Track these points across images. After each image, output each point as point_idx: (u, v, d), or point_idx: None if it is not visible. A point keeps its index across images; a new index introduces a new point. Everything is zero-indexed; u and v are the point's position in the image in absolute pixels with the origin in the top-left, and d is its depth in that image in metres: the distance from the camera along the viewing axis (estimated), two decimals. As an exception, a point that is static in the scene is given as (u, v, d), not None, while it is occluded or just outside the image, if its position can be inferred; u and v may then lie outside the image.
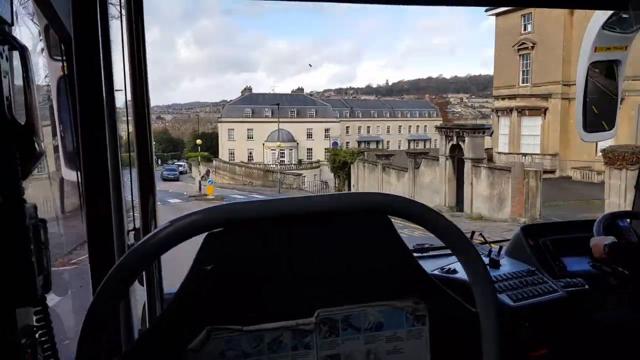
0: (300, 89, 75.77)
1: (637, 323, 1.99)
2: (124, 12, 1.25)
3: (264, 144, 60.51)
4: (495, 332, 0.81)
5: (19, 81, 0.74)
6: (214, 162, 52.93)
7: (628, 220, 2.48)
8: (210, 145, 68.76)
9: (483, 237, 2.56)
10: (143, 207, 1.34)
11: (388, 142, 70.79)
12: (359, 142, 66.96)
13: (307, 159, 59.90)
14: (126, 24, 1.26)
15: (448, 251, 2.34)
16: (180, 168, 60.62)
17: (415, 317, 0.84)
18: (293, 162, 55.92)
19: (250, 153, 61.14)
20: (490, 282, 0.82)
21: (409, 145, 67.83)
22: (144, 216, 1.35)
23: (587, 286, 2.15)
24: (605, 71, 2.17)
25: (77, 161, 1.27)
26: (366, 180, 27.94)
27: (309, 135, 64.29)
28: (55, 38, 1.35)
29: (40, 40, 1.45)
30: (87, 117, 1.18)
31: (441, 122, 74.74)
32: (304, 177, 38.04)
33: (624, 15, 1.97)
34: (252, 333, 0.77)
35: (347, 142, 64.52)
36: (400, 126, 75.77)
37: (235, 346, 0.76)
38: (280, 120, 58.28)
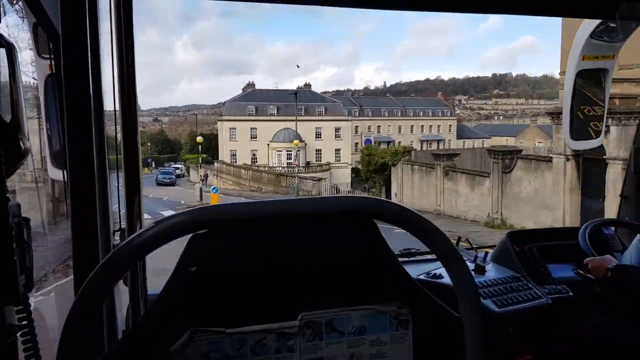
0: (308, 85, 67.59)
1: (620, 330, 2.01)
2: (113, 10, 1.24)
3: (269, 145, 55.08)
4: (479, 338, 0.81)
5: (5, 79, 0.73)
6: (215, 164, 49.42)
7: (613, 228, 2.52)
8: (209, 147, 65.70)
9: (469, 242, 2.57)
10: (129, 208, 1.34)
11: (399, 142, 61.83)
12: (369, 143, 64.22)
13: (316, 160, 55.63)
14: (115, 23, 1.25)
15: (434, 256, 2.41)
16: (177, 171, 56.44)
17: (399, 321, 0.84)
18: (301, 164, 50.95)
19: (254, 154, 55.49)
20: (474, 288, 0.82)
21: (421, 146, 63.09)
22: (129, 216, 1.34)
23: (571, 293, 2.17)
24: (592, 80, 2.20)
25: (63, 160, 1.25)
26: (415, 188, 22.06)
27: (318, 135, 58.28)
28: (44, 36, 1.34)
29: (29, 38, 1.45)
30: (74, 115, 1.17)
31: (455, 121, 74.75)
32: (323, 180, 34.36)
33: (612, 25, 1.99)
34: (235, 335, 0.77)
35: (356, 143, 60.76)
36: (412, 126, 70.92)
37: (218, 348, 0.76)
38: (287, 118, 54.62)
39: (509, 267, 2.31)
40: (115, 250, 0.69)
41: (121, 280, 1.28)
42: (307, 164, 52.33)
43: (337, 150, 57.78)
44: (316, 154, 57.04)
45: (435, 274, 2.18)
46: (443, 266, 0.83)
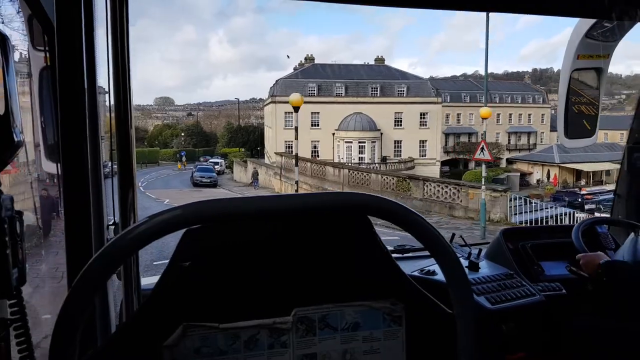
0: (380, 59, 51.64)
1: (613, 328, 2.01)
2: (108, 3, 1.24)
3: (334, 134, 42.85)
4: (472, 335, 0.81)
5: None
6: (274, 158, 35.65)
7: (606, 226, 2.53)
8: (246, 141, 60.55)
9: (463, 239, 2.58)
10: (122, 202, 1.33)
11: (483, 134, 39.47)
12: (446, 135, 51.54)
13: (395, 156, 43.40)
14: (110, 16, 1.23)
15: (428, 252, 2.48)
16: (216, 167, 44.28)
17: (392, 317, 0.85)
18: (376, 160, 40.40)
19: (315, 146, 43.23)
20: (467, 284, 0.82)
21: (509, 140, 54.38)
22: (123, 210, 1.33)
23: (564, 291, 2.18)
24: (587, 78, 2.20)
25: (57, 153, 1.26)
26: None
27: (398, 122, 44.82)
28: (39, 28, 1.34)
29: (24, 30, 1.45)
30: (68, 108, 1.17)
31: (548, 109, 58.16)
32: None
33: (607, 25, 1.99)
34: (228, 330, 0.77)
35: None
36: (498, 114, 53.57)
37: (211, 343, 0.76)
38: (359, 100, 43.20)
39: (503, 265, 2.31)
40: (108, 244, 0.68)
41: (114, 275, 1.26)
42: (383, 159, 41.39)
43: (422, 143, 44.98)
44: (395, 147, 44.64)
45: (429, 270, 2.18)
46: (436, 262, 0.83)
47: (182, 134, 77.86)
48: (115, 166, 1.34)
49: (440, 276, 2.02)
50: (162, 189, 31.92)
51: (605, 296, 2.07)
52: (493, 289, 2.06)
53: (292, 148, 38.51)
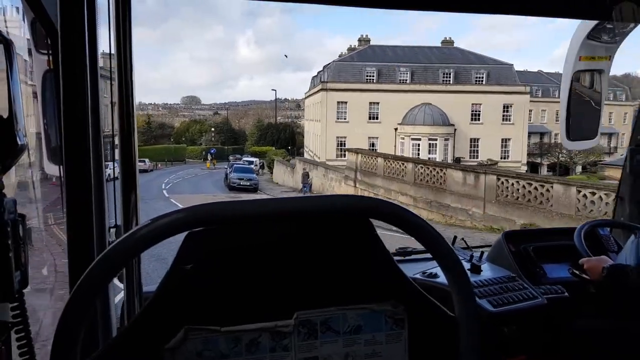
0: (449, 41, 43.09)
1: (615, 331, 2.02)
2: (112, 6, 1.24)
3: (396, 129, 35.66)
4: (474, 338, 0.81)
5: (2, 75, 0.74)
6: (323, 157, 32.33)
7: (608, 229, 2.52)
8: (277, 139, 56.90)
9: (465, 242, 2.58)
10: (125, 204, 1.33)
11: (557, 134, 40.85)
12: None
13: (472, 157, 35.98)
14: (114, 19, 1.24)
15: (430, 255, 2.50)
16: (250, 166, 36.60)
17: (394, 320, 0.84)
18: (448, 162, 30.90)
19: (373, 143, 35.93)
20: (469, 287, 0.82)
21: None
22: (125, 213, 1.33)
23: (566, 293, 2.18)
24: (589, 80, 2.19)
25: (60, 156, 1.26)
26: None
27: (475, 116, 37.06)
28: (42, 32, 1.34)
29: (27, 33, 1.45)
30: (71, 111, 1.18)
31: (633, 107, 49.60)
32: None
33: (608, 26, 1.97)
34: (230, 334, 0.76)
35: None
36: None
37: (213, 347, 0.76)
38: (428, 88, 35.95)
39: (505, 267, 2.31)
40: (110, 247, 0.68)
41: (116, 277, 1.27)
42: (457, 160, 33.20)
43: (505, 142, 37.74)
44: (471, 146, 37.28)
45: (431, 273, 2.18)
46: (439, 265, 0.83)
47: (212, 129, 75.00)
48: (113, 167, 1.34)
49: (442, 279, 2.02)
50: (191, 194, 26.50)
51: (608, 299, 2.06)
52: (495, 292, 2.06)
53: (344, 144, 33.96)
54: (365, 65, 38.44)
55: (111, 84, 1.30)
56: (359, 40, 43.92)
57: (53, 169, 1.52)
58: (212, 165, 48.42)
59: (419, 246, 2.40)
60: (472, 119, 37.33)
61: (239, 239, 0.77)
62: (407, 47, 42.05)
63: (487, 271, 2.29)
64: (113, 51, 1.26)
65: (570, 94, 2.14)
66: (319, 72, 44.24)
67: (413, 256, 2.51)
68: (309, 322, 0.80)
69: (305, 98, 49.21)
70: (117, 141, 1.34)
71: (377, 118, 36.66)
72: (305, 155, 39.47)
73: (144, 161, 43.66)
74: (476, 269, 2.26)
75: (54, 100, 1.39)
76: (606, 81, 2.18)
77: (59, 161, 1.33)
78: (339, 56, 43.42)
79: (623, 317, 2.02)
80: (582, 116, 2.19)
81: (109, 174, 1.32)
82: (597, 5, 1.66)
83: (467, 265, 2.25)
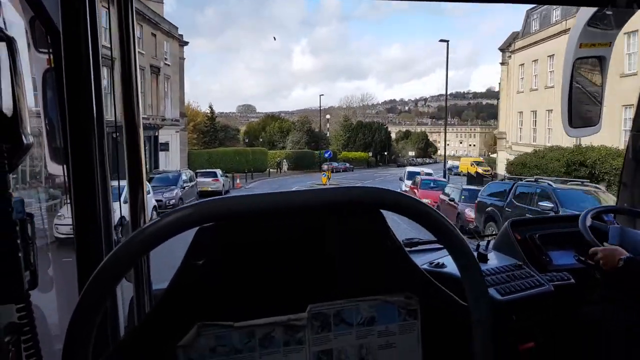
0: None
1: (621, 316, 2.03)
2: (113, 4, 1.23)
3: None
4: (486, 326, 0.81)
5: (6, 73, 0.73)
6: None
7: (612, 215, 2.51)
8: (369, 142, 47.95)
9: (472, 231, 2.60)
10: (132, 202, 1.32)
11: None
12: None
13: None
14: (116, 16, 1.23)
15: (436, 245, 2.42)
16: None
17: (407, 311, 0.84)
18: None
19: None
20: (481, 276, 0.82)
21: None
22: (132, 211, 1.33)
23: (572, 280, 2.19)
24: (590, 67, 2.19)
25: (63, 155, 1.25)
26: None
27: None
28: (42, 30, 1.33)
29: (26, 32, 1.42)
30: (75, 109, 1.17)
31: None
32: None
33: (608, 12, 1.98)
34: (243, 329, 0.76)
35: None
36: None
37: (226, 342, 0.76)
38: None
39: (511, 255, 2.33)
40: (119, 247, 0.67)
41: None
42: None
43: None
44: None
45: (438, 263, 2.17)
46: (451, 256, 0.83)
47: (295, 127, 57.86)
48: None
49: (449, 269, 2.02)
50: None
51: (622, 289, 2.06)
52: (502, 280, 2.08)
53: (535, 137, 22.27)
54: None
55: (112, 81, 1.30)
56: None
57: (56, 169, 1.49)
58: (327, 180, 31.24)
59: (424, 237, 2.47)
60: None
61: (250, 233, 0.77)
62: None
63: (494, 260, 2.31)
64: (116, 49, 1.26)
65: (571, 81, 2.15)
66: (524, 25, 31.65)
67: (420, 247, 2.53)
68: (322, 314, 0.80)
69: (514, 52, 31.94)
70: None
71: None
72: (503, 152, 27.67)
73: (215, 173, 27.04)
74: (483, 258, 2.27)
75: (55, 100, 1.37)
76: (607, 68, 2.18)
77: (63, 161, 1.30)
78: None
79: (630, 303, 2.03)
80: (584, 103, 2.19)
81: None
82: None
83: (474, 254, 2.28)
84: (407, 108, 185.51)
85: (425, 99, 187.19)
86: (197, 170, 28.07)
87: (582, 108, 2.19)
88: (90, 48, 1.17)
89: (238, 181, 31.86)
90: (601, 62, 2.16)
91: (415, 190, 20.21)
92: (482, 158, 46.59)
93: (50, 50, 1.32)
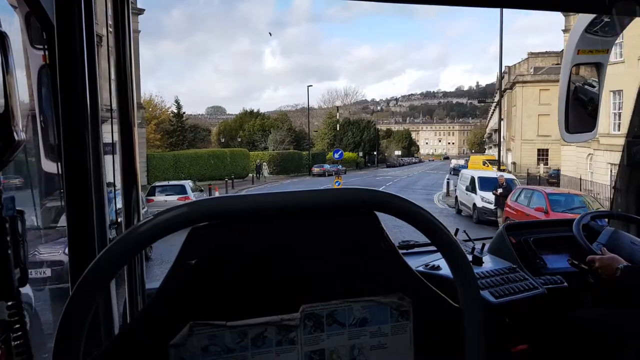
0: None
1: (614, 320, 2.04)
2: (109, 2, 1.23)
3: None
4: (479, 328, 0.82)
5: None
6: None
7: (606, 220, 2.56)
8: (358, 142, 43.32)
9: (467, 234, 2.59)
10: (126, 201, 1.32)
11: None
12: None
13: None
14: (112, 13, 1.22)
15: (431, 248, 2.42)
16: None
17: (399, 312, 0.84)
18: None
19: None
20: (473, 279, 0.83)
21: None
22: (126, 209, 1.32)
23: (565, 283, 2.21)
24: (587, 73, 2.20)
25: (57, 152, 1.24)
26: None
27: None
28: (37, 26, 1.32)
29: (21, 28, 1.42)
30: (69, 107, 1.16)
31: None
32: None
33: (606, 20, 1.99)
34: (235, 328, 0.76)
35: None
36: None
37: (219, 341, 0.75)
38: None
39: (506, 259, 2.34)
40: (111, 244, 0.67)
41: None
42: None
43: None
44: None
45: (433, 265, 2.18)
46: (443, 258, 0.83)
47: (277, 123, 51.37)
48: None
49: (443, 271, 2.04)
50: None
51: (620, 297, 2.06)
52: (496, 283, 2.09)
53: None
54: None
55: (109, 79, 1.29)
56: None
57: (50, 166, 1.49)
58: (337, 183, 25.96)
59: (419, 239, 2.49)
60: None
61: (243, 233, 0.76)
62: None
63: (489, 263, 2.31)
64: (111, 45, 1.25)
65: (568, 87, 2.16)
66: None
67: (415, 249, 2.54)
68: (314, 315, 0.80)
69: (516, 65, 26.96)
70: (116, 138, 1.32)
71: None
72: (508, 162, 25.61)
73: (184, 188, 18.16)
74: (478, 261, 2.28)
75: (50, 96, 1.35)
76: (604, 74, 2.20)
77: (57, 158, 1.30)
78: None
79: (622, 305, 2.03)
80: (581, 109, 2.21)
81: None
82: None
83: (468, 257, 2.28)
84: (379, 108, 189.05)
85: (397, 99, 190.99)
86: (156, 184, 19.64)
87: (578, 114, 2.20)
88: (85, 44, 1.16)
89: (217, 193, 22.74)
90: (598, 69, 2.19)
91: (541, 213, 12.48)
92: (494, 155, 37.55)
93: (46, 47, 1.31)
